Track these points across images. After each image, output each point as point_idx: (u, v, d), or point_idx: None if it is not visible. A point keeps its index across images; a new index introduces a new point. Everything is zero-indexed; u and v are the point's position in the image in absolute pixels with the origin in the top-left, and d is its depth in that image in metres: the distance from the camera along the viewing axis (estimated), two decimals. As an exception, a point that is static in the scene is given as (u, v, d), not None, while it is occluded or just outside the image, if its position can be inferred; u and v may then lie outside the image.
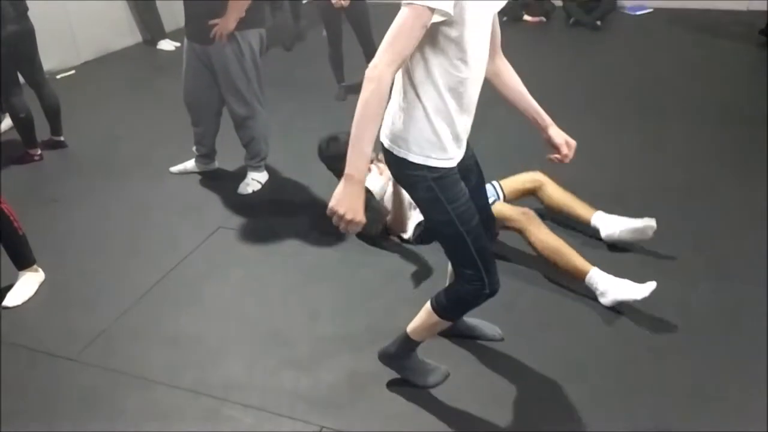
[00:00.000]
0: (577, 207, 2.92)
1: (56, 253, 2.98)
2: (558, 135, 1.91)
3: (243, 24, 3.06)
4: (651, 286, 2.37)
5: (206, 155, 3.68)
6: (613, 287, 2.46)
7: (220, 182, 3.64)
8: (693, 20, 6.89)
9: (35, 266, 2.76)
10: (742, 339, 2.37)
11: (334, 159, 3.05)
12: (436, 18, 1.48)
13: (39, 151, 3.99)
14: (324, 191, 3.47)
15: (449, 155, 1.70)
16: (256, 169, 3.57)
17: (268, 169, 3.66)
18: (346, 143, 1.50)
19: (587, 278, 2.52)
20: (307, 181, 3.61)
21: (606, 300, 2.48)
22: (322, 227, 3.11)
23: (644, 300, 2.38)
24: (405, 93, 1.65)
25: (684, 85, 5.02)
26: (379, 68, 1.46)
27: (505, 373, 2.21)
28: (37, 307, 2.65)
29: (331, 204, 1.52)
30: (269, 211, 3.35)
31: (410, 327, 2.05)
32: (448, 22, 1.51)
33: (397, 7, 1.47)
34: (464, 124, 1.72)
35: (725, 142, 3.94)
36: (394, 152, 1.71)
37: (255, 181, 3.55)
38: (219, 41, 3.06)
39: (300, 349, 2.36)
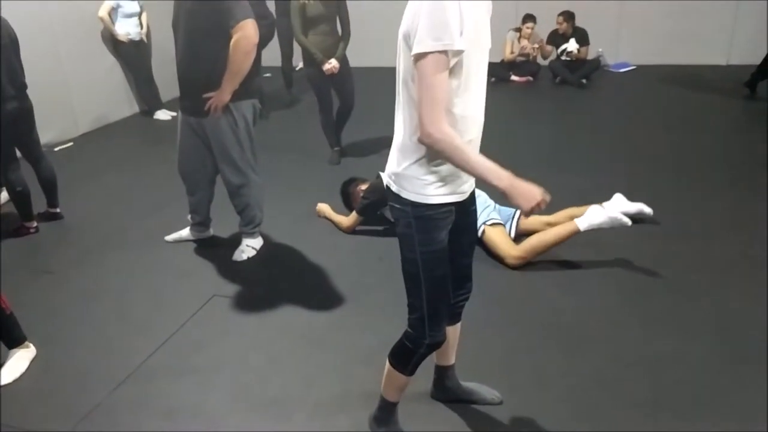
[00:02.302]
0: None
1: (50, 326, 2.96)
2: None
3: (237, 95, 3.13)
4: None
5: (201, 223, 3.71)
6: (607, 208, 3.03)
7: (215, 250, 3.66)
8: (676, 76, 7.09)
9: (26, 342, 2.73)
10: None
11: (348, 195, 3.88)
12: (454, 58, 1.54)
13: (35, 224, 4.02)
14: (318, 256, 3.49)
15: (446, 191, 1.73)
16: (251, 235, 3.59)
17: (263, 234, 3.68)
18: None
19: (582, 227, 3.01)
20: (302, 247, 3.62)
21: (612, 213, 3.01)
22: (318, 292, 3.12)
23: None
24: (406, 132, 1.70)
25: (672, 137, 5.13)
26: (433, 130, 1.55)
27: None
28: (28, 383, 2.61)
29: (524, 208, 1.60)
30: (264, 277, 3.34)
31: (381, 386, 2.07)
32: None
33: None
34: None
35: (716, 191, 4.00)
36: (392, 188, 1.79)
37: (250, 247, 3.57)
38: (214, 113, 3.14)
39: (297, 416, 2.32)
